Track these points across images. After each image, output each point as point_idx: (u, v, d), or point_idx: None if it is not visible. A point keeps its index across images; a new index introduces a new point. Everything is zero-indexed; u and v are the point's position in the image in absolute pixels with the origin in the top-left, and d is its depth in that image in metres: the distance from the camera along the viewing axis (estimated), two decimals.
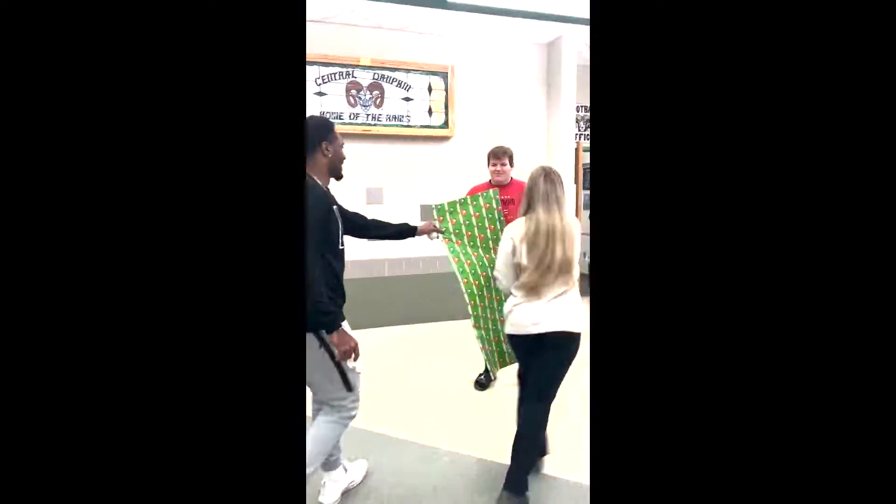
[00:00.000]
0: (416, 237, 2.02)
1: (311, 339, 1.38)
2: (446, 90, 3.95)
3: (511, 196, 2.68)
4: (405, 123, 3.89)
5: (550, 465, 1.89)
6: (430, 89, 3.93)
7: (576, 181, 4.40)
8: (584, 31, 4.00)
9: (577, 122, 5.06)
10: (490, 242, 2.18)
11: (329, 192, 1.52)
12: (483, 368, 2.80)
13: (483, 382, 2.77)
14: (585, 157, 4.69)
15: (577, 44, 4.10)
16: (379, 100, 3.82)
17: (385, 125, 3.84)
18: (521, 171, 4.10)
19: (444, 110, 3.97)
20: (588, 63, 4.92)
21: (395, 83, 3.84)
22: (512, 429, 1.68)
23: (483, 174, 2.86)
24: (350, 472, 1.77)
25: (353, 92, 3.75)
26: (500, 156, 2.64)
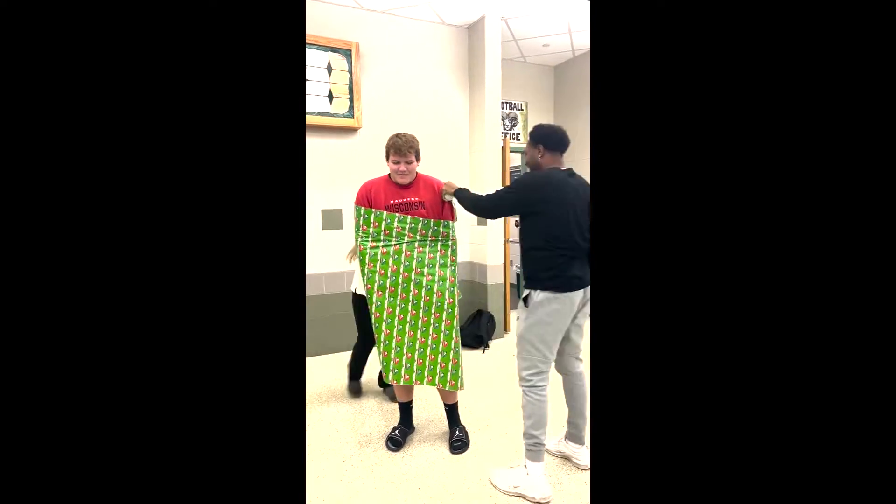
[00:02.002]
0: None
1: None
2: (350, 72, 3.25)
3: (420, 198, 2.05)
4: None
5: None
6: (329, 69, 3.21)
7: (503, 185, 3.87)
8: (510, 12, 3.50)
9: (502, 119, 4.58)
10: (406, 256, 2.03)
11: None
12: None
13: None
14: (514, 159, 4.19)
15: (500, 29, 3.59)
16: None
17: None
18: (440, 170, 3.28)
19: (348, 96, 3.26)
20: (512, 58, 4.56)
21: None
22: None
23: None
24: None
25: None
26: (403, 151, 1.99)
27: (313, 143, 3.15)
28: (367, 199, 2.05)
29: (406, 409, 2.23)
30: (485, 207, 1.86)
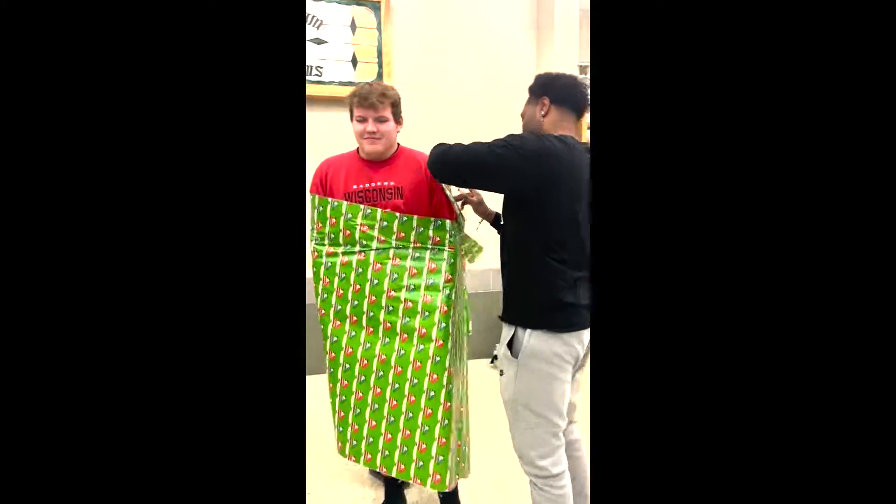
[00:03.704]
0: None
1: None
2: (379, 29, 2.62)
3: (397, 183, 1.35)
4: (316, 78, 2.57)
5: None
6: (353, 27, 2.60)
7: None
8: None
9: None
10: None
11: None
12: None
13: None
14: (586, 136, 3.34)
15: None
16: None
17: None
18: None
19: (376, 59, 2.64)
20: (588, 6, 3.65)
21: None
22: None
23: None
24: None
25: None
26: (371, 101, 1.29)
27: (331, 119, 2.57)
28: (323, 183, 1.40)
29: (392, 487, 1.57)
30: (447, 160, 1.14)
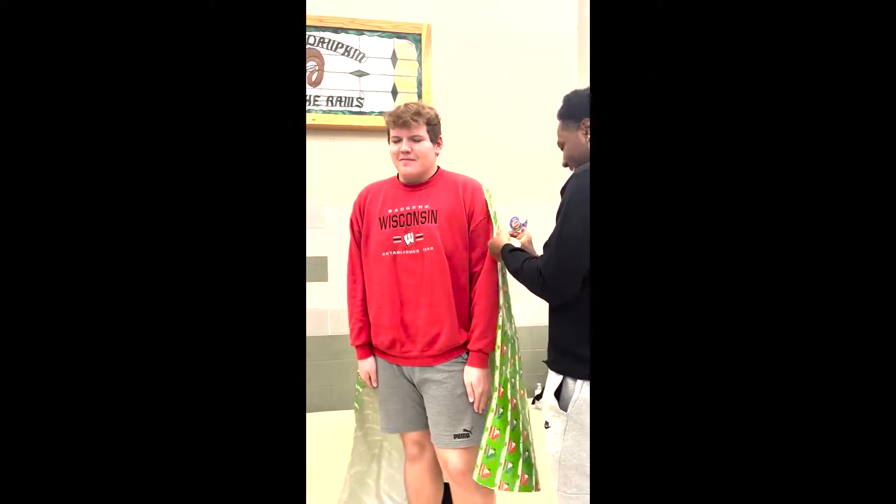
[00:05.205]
0: None
1: None
2: (419, 61, 2.63)
3: (432, 206, 1.28)
4: (357, 110, 2.59)
5: None
6: (394, 59, 2.63)
7: None
8: None
9: None
10: None
11: None
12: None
13: None
14: None
15: None
16: (316, 74, 2.55)
17: (325, 112, 2.54)
18: (542, 201, 2.29)
19: (416, 90, 2.64)
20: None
21: (341, 50, 2.57)
22: None
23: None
24: None
25: None
26: (405, 120, 1.25)
27: (371, 148, 2.57)
28: (361, 209, 1.35)
29: None
30: (553, 272, 1.03)
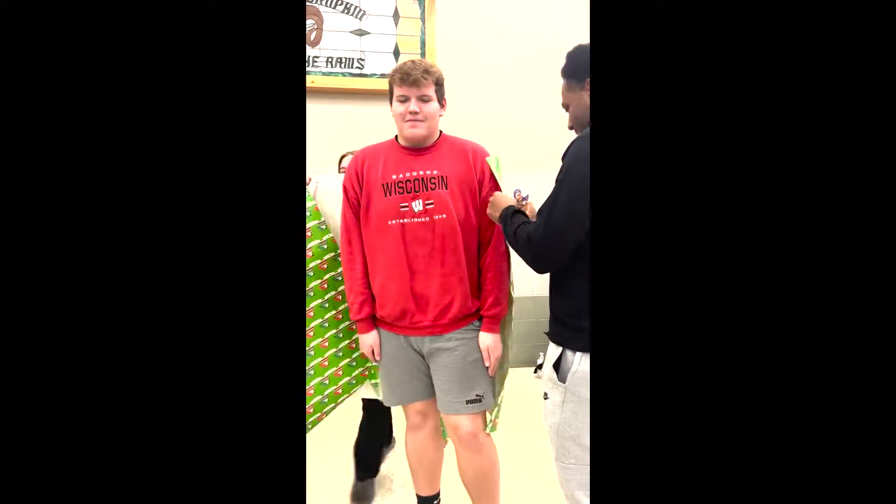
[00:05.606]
0: None
1: None
2: (423, 19, 2.52)
3: (441, 172, 1.23)
4: (357, 71, 2.50)
5: None
6: (396, 17, 2.52)
7: None
8: None
9: None
10: None
11: None
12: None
13: None
14: None
15: None
16: (315, 33, 2.45)
17: (325, 73, 2.46)
18: (537, 145, 2.23)
19: (419, 50, 2.54)
20: None
21: (341, 6, 2.46)
22: None
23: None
24: None
25: None
26: (415, 79, 1.18)
27: (372, 112, 2.49)
28: (359, 175, 1.30)
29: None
30: (540, 239, 1.00)
